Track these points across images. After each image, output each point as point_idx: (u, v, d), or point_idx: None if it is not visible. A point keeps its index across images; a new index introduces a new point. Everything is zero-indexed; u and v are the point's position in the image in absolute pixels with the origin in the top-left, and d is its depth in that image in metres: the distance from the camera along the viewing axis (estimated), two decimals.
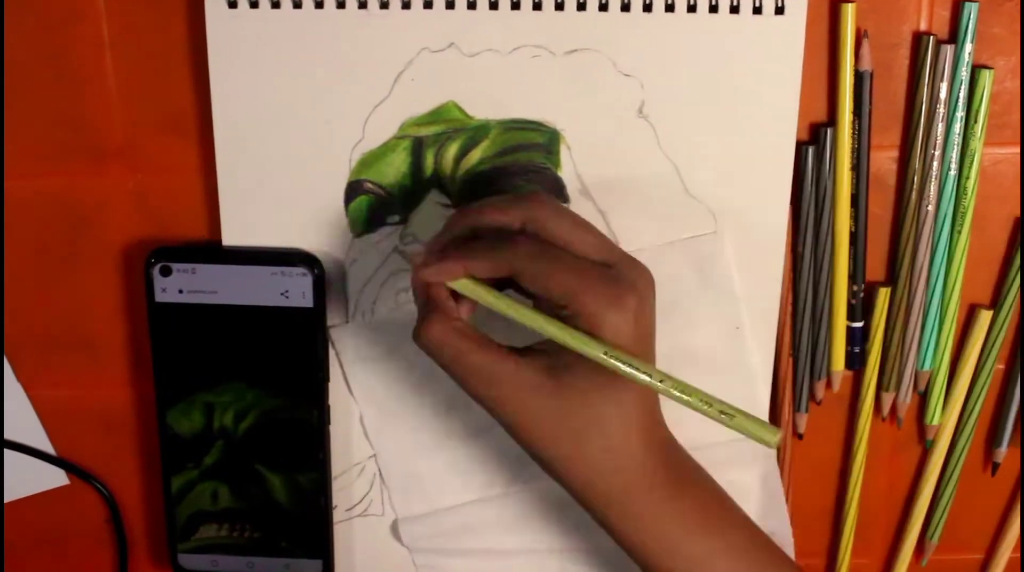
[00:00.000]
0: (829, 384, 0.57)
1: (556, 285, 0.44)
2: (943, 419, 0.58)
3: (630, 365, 0.44)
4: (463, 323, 0.46)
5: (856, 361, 0.57)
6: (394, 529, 0.59)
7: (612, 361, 0.44)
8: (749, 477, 0.57)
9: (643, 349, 0.46)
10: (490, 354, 0.46)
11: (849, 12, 0.52)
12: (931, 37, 0.52)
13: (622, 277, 0.46)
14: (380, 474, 0.58)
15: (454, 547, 0.59)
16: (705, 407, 0.44)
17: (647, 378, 0.44)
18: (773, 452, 0.57)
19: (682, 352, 0.55)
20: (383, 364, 0.56)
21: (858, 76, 0.53)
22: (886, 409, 0.58)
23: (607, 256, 0.46)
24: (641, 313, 0.45)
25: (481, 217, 0.47)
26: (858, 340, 0.56)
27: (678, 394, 0.44)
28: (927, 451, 0.59)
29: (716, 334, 0.55)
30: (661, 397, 0.47)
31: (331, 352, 0.56)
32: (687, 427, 0.49)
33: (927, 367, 0.57)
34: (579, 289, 0.44)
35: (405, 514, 0.59)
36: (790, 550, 0.59)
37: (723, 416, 0.44)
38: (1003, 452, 0.59)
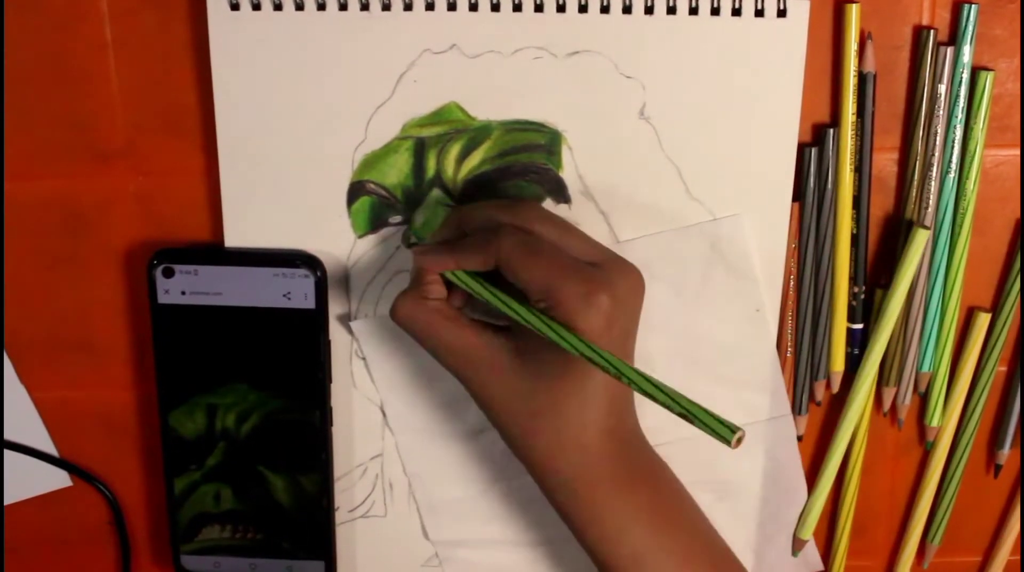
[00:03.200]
0: (829, 385, 0.57)
1: (534, 277, 0.47)
2: (943, 421, 0.58)
3: (595, 354, 0.45)
4: (439, 302, 0.50)
5: (856, 362, 0.57)
6: (420, 522, 0.59)
7: (575, 347, 0.45)
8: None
9: (614, 346, 0.47)
10: (459, 330, 0.49)
11: (853, 13, 0.52)
12: (931, 38, 0.52)
13: (601, 276, 0.47)
14: (403, 466, 0.58)
15: (480, 537, 0.59)
16: (670, 403, 0.43)
17: (610, 369, 0.45)
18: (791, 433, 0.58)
19: (703, 334, 0.55)
20: (404, 354, 0.56)
21: (861, 77, 0.53)
22: (887, 405, 0.58)
23: (593, 257, 0.48)
24: (616, 312, 0.47)
25: (475, 215, 0.50)
26: (858, 341, 0.56)
27: (640, 387, 0.44)
28: (927, 453, 0.59)
29: (737, 316, 0.56)
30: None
31: (353, 344, 0.56)
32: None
33: (927, 369, 0.57)
34: (555, 283, 0.46)
35: (428, 505, 0.59)
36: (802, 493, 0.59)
37: (686, 414, 0.43)
38: (1005, 454, 0.59)
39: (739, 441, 0.41)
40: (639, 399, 0.48)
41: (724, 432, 0.42)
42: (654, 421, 0.51)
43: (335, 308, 0.56)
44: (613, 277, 0.47)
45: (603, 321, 0.46)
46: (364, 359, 0.57)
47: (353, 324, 0.56)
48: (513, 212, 0.49)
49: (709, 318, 0.55)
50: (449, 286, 0.51)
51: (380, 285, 0.56)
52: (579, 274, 0.47)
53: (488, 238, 0.48)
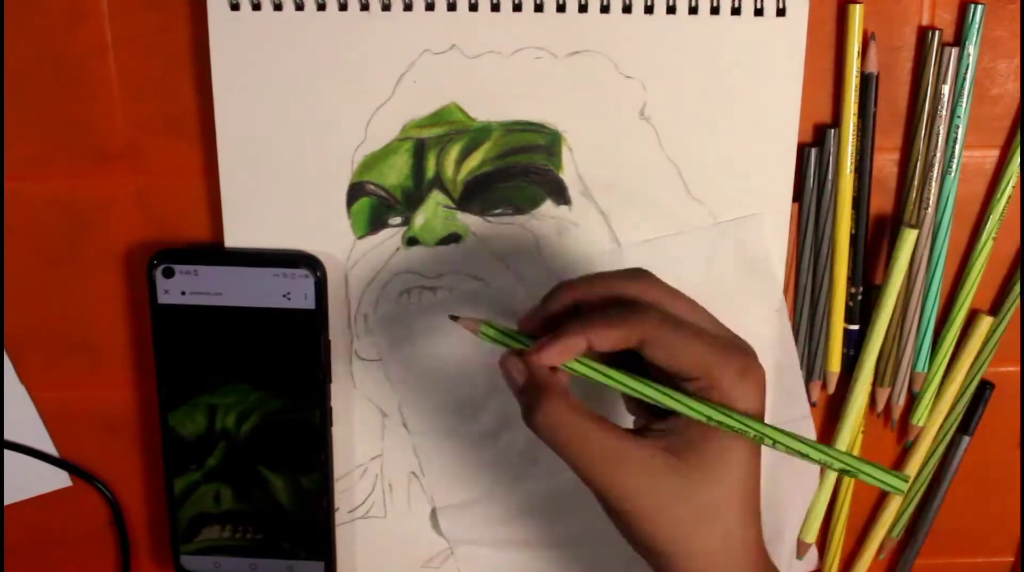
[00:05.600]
0: (824, 386, 0.57)
1: (690, 356, 0.43)
2: (928, 421, 0.58)
3: (761, 428, 0.43)
4: (579, 403, 0.44)
5: (852, 363, 0.57)
6: (435, 523, 0.59)
7: (749, 428, 0.43)
8: None
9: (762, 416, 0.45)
10: (613, 435, 0.43)
11: (857, 13, 0.52)
12: (936, 39, 0.52)
13: (747, 349, 0.44)
14: (419, 465, 0.58)
15: (495, 537, 0.59)
16: (832, 461, 0.43)
17: (784, 444, 0.43)
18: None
19: None
20: (422, 353, 0.56)
21: (863, 78, 0.53)
22: (880, 405, 0.58)
23: (721, 332, 0.45)
24: (766, 385, 0.44)
25: (590, 289, 0.45)
26: (854, 342, 0.56)
27: (811, 454, 0.43)
28: (906, 451, 0.59)
29: (758, 316, 0.56)
30: None
31: (365, 340, 0.56)
32: None
33: (920, 369, 0.57)
34: (714, 361, 0.43)
35: (444, 504, 0.59)
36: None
37: (847, 470, 0.43)
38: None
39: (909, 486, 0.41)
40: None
41: (895, 483, 0.42)
42: None
43: (335, 308, 0.56)
44: (751, 349, 0.44)
45: (761, 396, 0.44)
46: (380, 359, 0.57)
47: (374, 317, 0.56)
48: (637, 283, 0.45)
49: (732, 317, 0.55)
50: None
51: (380, 285, 0.56)
52: (732, 350, 0.43)
53: (628, 314, 0.43)
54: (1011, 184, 0.55)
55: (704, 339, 0.43)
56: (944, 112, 0.53)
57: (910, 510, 0.60)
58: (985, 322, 0.57)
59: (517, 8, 0.51)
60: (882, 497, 0.61)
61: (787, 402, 0.57)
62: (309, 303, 0.54)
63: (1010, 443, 0.59)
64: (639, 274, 0.45)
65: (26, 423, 0.58)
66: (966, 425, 0.58)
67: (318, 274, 0.54)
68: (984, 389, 0.57)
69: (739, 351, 0.44)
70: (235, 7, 0.51)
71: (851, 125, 0.53)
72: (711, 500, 0.43)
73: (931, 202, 0.54)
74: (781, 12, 0.51)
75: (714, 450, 0.43)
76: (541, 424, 0.43)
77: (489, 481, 0.58)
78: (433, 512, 0.59)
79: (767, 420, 0.57)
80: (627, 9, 0.51)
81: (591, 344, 0.43)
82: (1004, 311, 0.57)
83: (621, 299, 0.44)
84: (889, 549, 0.61)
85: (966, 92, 0.53)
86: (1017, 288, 0.56)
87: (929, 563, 0.62)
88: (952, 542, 0.61)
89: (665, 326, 0.43)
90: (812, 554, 0.61)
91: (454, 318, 0.46)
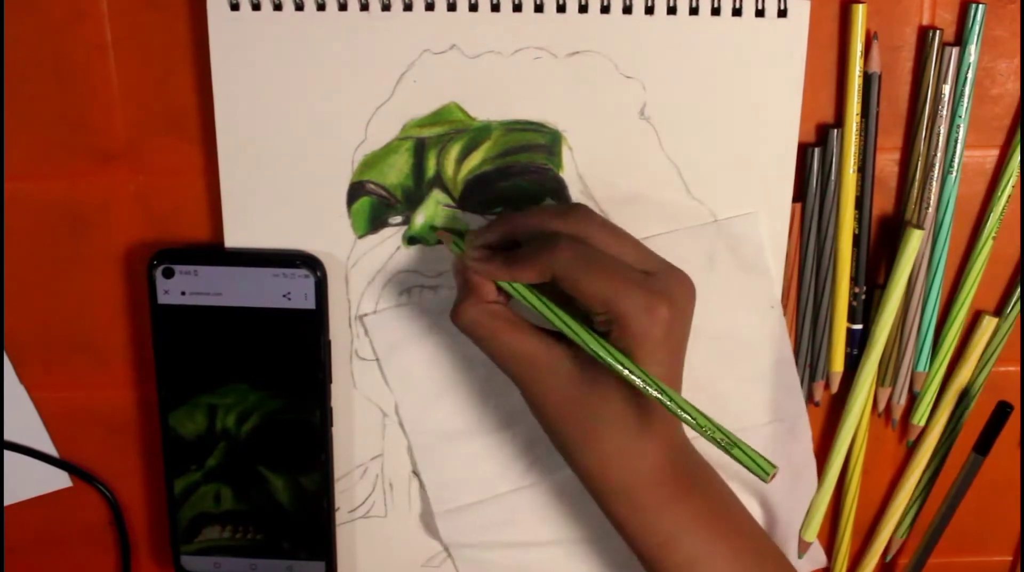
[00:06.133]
0: (827, 385, 0.57)
1: (593, 290, 0.46)
2: (930, 421, 0.58)
3: (649, 384, 0.46)
4: (499, 305, 0.49)
5: (855, 363, 0.57)
6: (427, 525, 0.59)
7: (631, 376, 0.46)
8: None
9: (671, 357, 0.47)
10: (522, 335, 0.48)
11: (860, 13, 0.52)
12: (937, 39, 0.52)
13: (659, 286, 0.47)
14: (414, 469, 0.58)
15: (493, 540, 0.59)
16: (712, 435, 0.46)
17: (664, 400, 0.46)
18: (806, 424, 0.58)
19: (721, 331, 0.55)
20: (418, 352, 0.56)
21: (866, 77, 0.53)
22: (882, 405, 0.58)
23: (647, 265, 0.48)
24: (674, 322, 0.46)
25: (526, 223, 0.49)
26: (857, 342, 0.56)
27: (689, 419, 0.46)
28: (910, 451, 0.59)
29: (753, 313, 0.56)
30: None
31: (365, 340, 0.56)
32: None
33: (922, 369, 0.57)
34: (614, 295, 0.46)
35: (442, 508, 0.59)
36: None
37: (725, 445, 0.45)
38: None
39: (772, 477, 0.45)
40: None
41: (762, 468, 0.45)
42: None
43: (335, 308, 0.56)
44: (671, 286, 0.47)
45: (663, 331, 0.46)
46: (377, 359, 0.57)
47: (367, 319, 0.56)
48: (566, 219, 0.48)
49: (725, 315, 0.55)
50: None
51: (380, 285, 0.56)
52: (638, 286, 0.46)
53: (543, 250, 0.47)
54: (1011, 184, 0.55)
55: (610, 274, 0.46)
56: (945, 112, 0.53)
57: (913, 511, 0.60)
58: (989, 323, 0.56)
59: (517, 8, 0.51)
60: (887, 498, 0.60)
61: (783, 398, 0.57)
62: (309, 303, 0.54)
63: (1010, 443, 0.59)
64: (571, 209, 0.49)
65: (26, 423, 0.58)
66: (983, 446, 0.57)
67: (318, 274, 0.54)
68: (1004, 411, 0.57)
69: (644, 287, 0.46)
70: (235, 7, 0.51)
71: (854, 125, 0.53)
72: (601, 413, 0.47)
73: (932, 202, 0.54)
74: (782, 13, 0.51)
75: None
76: (459, 320, 0.49)
77: (487, 483, 0.58)
78: (429, 516, 0.59)
79: (761, 416, 0.57)
80: (627, 9, 0.51)
81: (513, 277, 0.48)
82: (1007, 312, 0.56)
83: (550, 233, 0.48)
84: (896, 550, 0.61)
85: (967, 92, 0.53)
86: (1019, 289, 0.56)
87: (929, 562, 0.61)
88: (952, 542, 0.61)
89: (575, 263, 0.46)
90: (816, 554, 0.61)
91: (433, 229, 0.53)
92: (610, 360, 0.46)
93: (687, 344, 0.49)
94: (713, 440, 0.45)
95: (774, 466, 0.45)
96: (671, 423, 0.49)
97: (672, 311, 0.46)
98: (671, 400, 0.46)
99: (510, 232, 0.49)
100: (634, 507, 0.49)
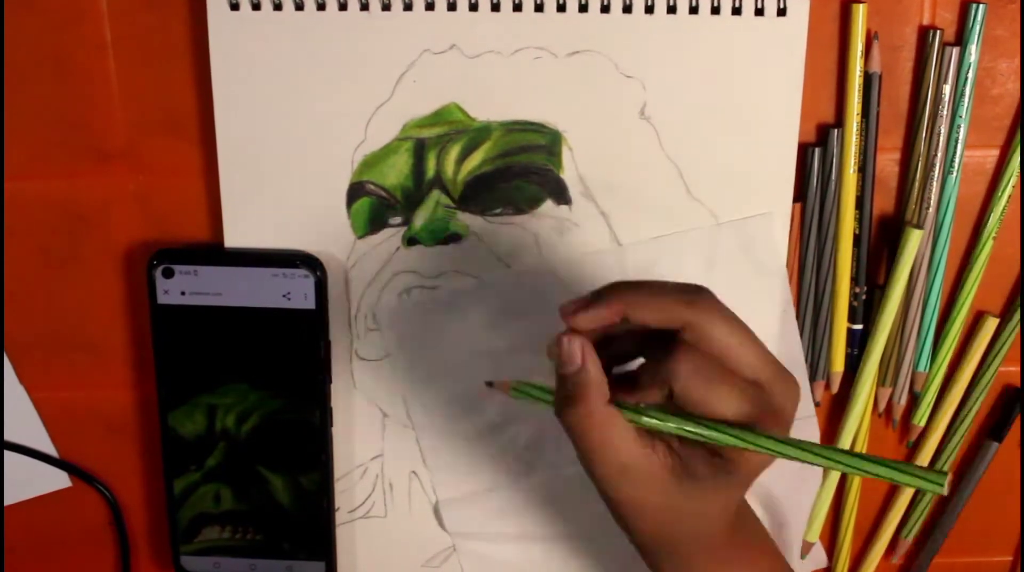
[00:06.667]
0: (828, 385, 0.57)
1: (710, 411, 0.42)
2: (931, 421, 0.58)
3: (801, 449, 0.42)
4: (613, 411, 0.43)
5: (855, 363, 0.57)
6: (436, 513, 0.59)
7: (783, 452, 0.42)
8: None
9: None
10: (628, 446, 0.43)
11: (860, 13, 0.52)
12: (937, 39, 0.52)
13: (774, 405, 0.43)
14: (423, 460, 0.58)
15: (496, 531, 0.59)
16: (876, 470, 0.42)
17: (820, 460, 0.42)
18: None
19: None
20: (427, 348, 0.56)
21: (867, 77, 0.53)
22: (882, 405, 0.58)
23: (761, 373, 0.43)
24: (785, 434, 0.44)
25: (639, 302, 0.43)
26: (858, 342, 0.56)
27: (849, 468, 0.42)
28: (909, 451, 0.59)
29: (767, 314, 0.56)
30: None
31: (366, 340, 0.56)
32: None
33: (923, 369, 0.57)
34: (750, 414, 0.42)
35: (447, 497, 0.59)
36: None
37: (893, 479, 0.41)
38: None
39: (950, 485, 0.40)
40: None
41: (935, 482, 0.41)
42: None
43: (335, 308, 0.56)
44: (783, 402, 0.43)
45: (790, 426, 0.43)
46: (381, 358, 0.57)
47: (379, 310, 0.56)
48: (692, 307, 0.42)
49: (742, 316, 0.55)
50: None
51: (380, 285, 0.56)
52: (756, 408, 0.42)
53: (659, 368, 0.42)
54: (1011, 184, 0.54)
55: (729, 399, 0.42)
56: (945, 112, 0.53)
57: (917, 511, 0.60)
58: (990, 324, 0.56)
59: (517, 8, 0.51)
60: (889, 497, 0.60)
61: None
62: (309, 303, 0.54)
63: (1009, 443, 0.59)
64: (697, 296, 0.43)
65: (26, 423, 0.58)
66: (997, 433, 0.58)
67: (318, 274, 0.54)
68: (1011, 395, 0.56)
69: (762, 409, 0.42)
70: (235, 7, 0.51)
71: (854, 125, 0.53)
72: (696, 508, 0.44)
73: (932, 202, 0.54)
74: (782, 12, 0.51)
75: (708, 464, 0.43)
76: (573, 422, 0.43)
77: (492, 475, 0.58)
78: (436, 506, 0.59)
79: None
80: (627, 9, 0.51)
81: (639, 401, 0.43)
82: (1010, 313, 0.56)
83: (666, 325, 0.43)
84: (902, 552, 0.61)
85: (967, 92, 0.53)
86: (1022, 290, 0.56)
87: (930, 562, 0.62)
88: (952, 542, 0.61)
89: (693, 380, 0.42)
90: (817, 553, 0.61)
91: (489, 384, 0.46)
92: (772, 448, 0.42)
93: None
94: (876, 476, 0.42)
95: (945, 473, 0.41)
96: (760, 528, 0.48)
97: (782, 429, 0.43)
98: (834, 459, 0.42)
99: (621, 311, 0.43)
100: (691, 567, 0.46)
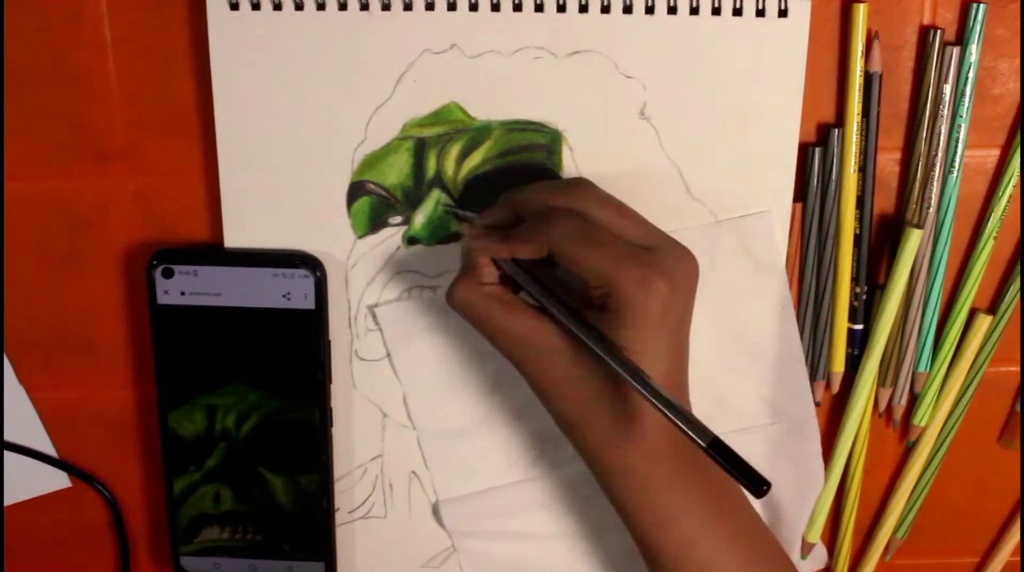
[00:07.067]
0: (828, 385, 0.57)
1: (589, 264, 0.46)
2: (929, 420, 0.58)
3: (635, 376, 0.44)
4: (495, 286, 0.49)
5: (856, 363, 0.57)
6: (435, 512, 0.59)
7: (616, 364, 0.45)
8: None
9: (671, 334, 0.47)
10: (516, 315, 0.48)
11: (861, 12, 0.51)
12: (938, 38, 0.52)
13: (657, 261, 0.46)
14: (423, 458, 0.58)
15: (496, 530, 0.59)
16: (700, 436, 0.43)
17: (642, 391, 0.44)
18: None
19: (733, 329, 0.55)
20: (428, 344, 0.56)
21: (867, 77, 0.53)
22: (883, 405, 0.58)
23: (648, 240, 0.47)
24: (672, 297, 0.46)
25: (529, 199, 0.49)
26: (858, 342, 0.56)
27: (664, 409, 0.44)
28: (909, 451, 0.59)
29: (765, 312, 0.56)
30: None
31: (365, 340, 0.56)
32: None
33: (923, 369, 0.57)
34: (610, 269, 0.45)
35: (447, 496, 0.59)
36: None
37: (715, 455, 0.42)
38: None
39: (765, 492, 0.41)
40: None
41: (755, 485, 0.41)
42: None
43: (335, 308, 0.56)
44: (669, 261, 0.47)
45: (660, 307, 0.45)
46: (387, 350, 0.56)
47: (378, 310, 0.56)
48: (567, 194, 0.48)
49: (736, 315, 0.55)
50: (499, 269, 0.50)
51: (380, 285, 0.56)
52: (635, 260, 0.46)
53: (541, 225, 0.47)
54: (1012, 183, 0.54)
55: (607, 250, 0.46)
56: (946, 112, 0.53)
57: (915, 511, 0.60)
58: (984, 321, 0.56)
59: (517, 8, 0.51)
60: (887, 497, 0.60)
61: (792, 400, 0.57)
62: (309, 303, 0.54)
63: (991, 443, 0.59)
64: (571, 183, 0.49)
65: (26, 423, 0.58)
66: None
67: (318, 274, 0.54)
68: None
69: (642, 262, 0.46)
70: (235, 7, 0.51)
71: (855, 124, 0.53)
72: (601, 389, 0.47)
73: (933, 202, 0.54)
74: (783, 13, 0.51)
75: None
76: (451, 300, 0.49)
77: (492, 475, 0.58)
78: (435, 504, 0.59)
79: (770, 416, 0.57)
80: (628, 9, 0.51)
81: (511, 251, 0.48)
82: (1002, 310, 0.56)
83: (552, 209, 0.48)
84: (896, 550, 0.61)
85: (968, 92, 0.53)
86: (1016, 286, 0.56)
87: (930, 562, 0.61)
88: (951, 541, 0.61)
89: (572, 237, 0.46)
90: (819, 553, 0.61)
91: (450, 206, 0.53)
92: (597, 347, 0.45)
93: (689, 324, 0.48)
94: (698, 444, 0.42)
95: (767, 484, 0.41)
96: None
97: (670, 286, 0.46)
98: (646, 388, 0.44)
99: (513, 209, 0.50)
100: (631, 486, 0.48)
